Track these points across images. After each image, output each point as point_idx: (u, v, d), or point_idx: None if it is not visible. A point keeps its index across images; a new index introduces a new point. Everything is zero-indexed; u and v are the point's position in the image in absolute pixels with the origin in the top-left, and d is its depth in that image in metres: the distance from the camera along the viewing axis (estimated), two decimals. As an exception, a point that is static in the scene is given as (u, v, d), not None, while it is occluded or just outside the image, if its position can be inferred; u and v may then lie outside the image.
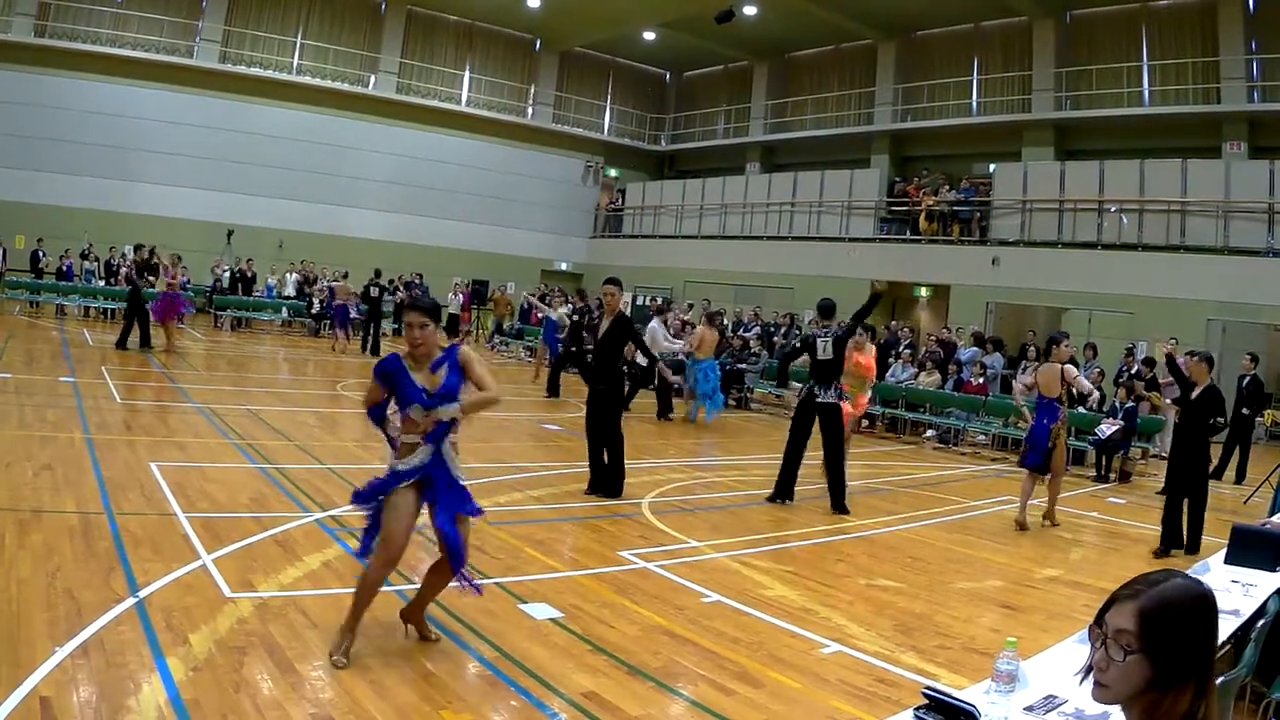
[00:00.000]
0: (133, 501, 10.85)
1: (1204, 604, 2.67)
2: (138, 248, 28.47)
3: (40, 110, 38.15)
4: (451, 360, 7.31)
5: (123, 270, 35.24)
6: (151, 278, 32.68)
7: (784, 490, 15.03)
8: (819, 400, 14.86)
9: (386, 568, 7.25)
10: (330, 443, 16.29)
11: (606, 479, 14.12)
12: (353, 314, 34.35)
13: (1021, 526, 14.42)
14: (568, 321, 27.68)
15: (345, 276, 36.20)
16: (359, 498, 7.46)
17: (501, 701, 6.77)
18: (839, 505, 14.59)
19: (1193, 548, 13.44)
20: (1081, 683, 2.85)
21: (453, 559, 7.28)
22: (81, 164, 38.68)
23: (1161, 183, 30.09)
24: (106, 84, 39.41)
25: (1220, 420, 13.82)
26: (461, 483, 7.51)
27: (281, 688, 6.53)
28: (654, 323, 25.03)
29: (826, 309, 15.52)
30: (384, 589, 8.50)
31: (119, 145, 39.45)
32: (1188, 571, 2.85)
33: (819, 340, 14.96)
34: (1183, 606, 2.63)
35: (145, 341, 26.62)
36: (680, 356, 23.99)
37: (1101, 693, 2.70)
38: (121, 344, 26.13)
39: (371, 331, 32.80)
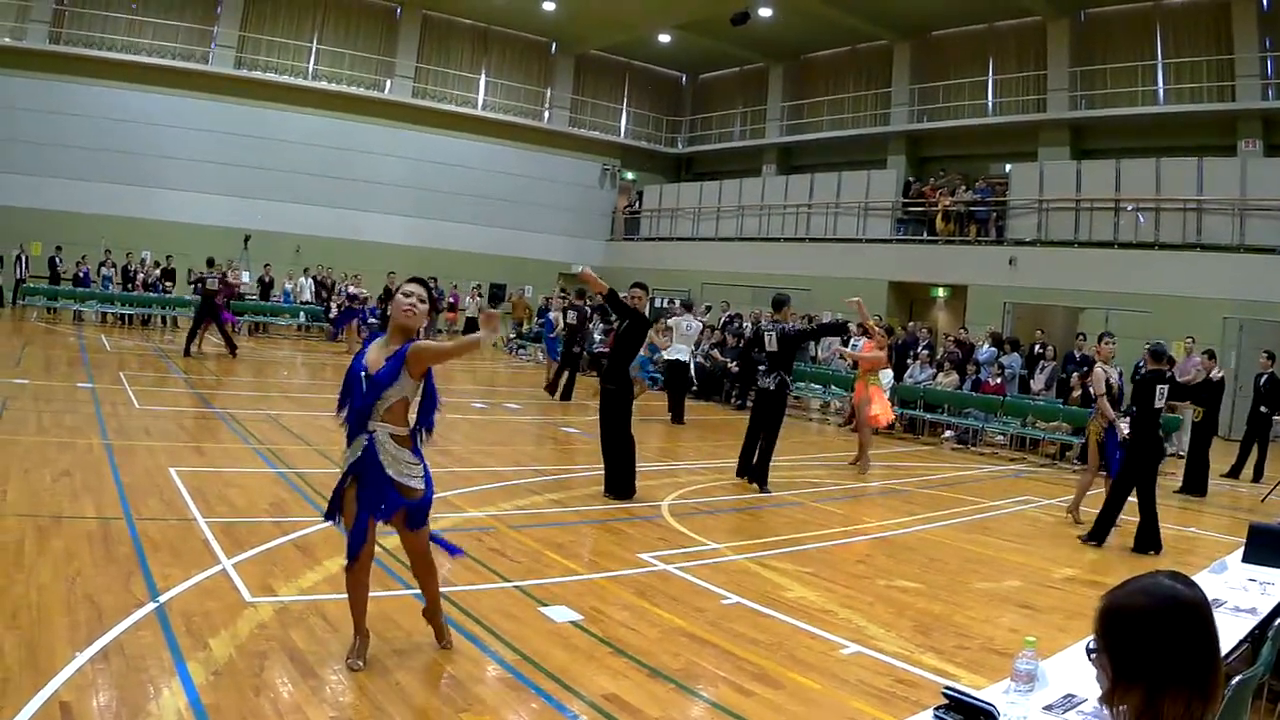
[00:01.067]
0: (152, 507, 10.87)
1: (1168, 608, 2.64)
2: (210, 262, 28.98)
3: (56, 117, 38.26)
4: (402, 351, 6.96)
5: (139, 277, 35.42)
6: (169, 284, 32.84)
7: (741, 468, 16.36)
8: (757, 385, 16.76)
9: (353, 573, 7.04)
10: (349, 447, 16.28)
11: (619, 479, 14.06)
12: (370, 318, 34.41)
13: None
14: (562, 323, 27.74)
15: (356, 278, 36.39)
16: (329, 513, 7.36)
17: (522, 704, 6.76)
18: (760, 481, 15.84)
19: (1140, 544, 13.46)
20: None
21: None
22: (98, 170, 38.81)
23: (1177, 181, 30.03)
24: (122, 90, 39.49)
25: (1134, 408, 13.81)
26: (401, 481, 7.06)
27: (302, 691, 6.55)
28: (686, 319, 25.41)
29: (778, 303, 16.91)
30: (401, 591, 8.52)
31: (135, 151, 39.51)
32: (1210, 568, 2.85)
33: (767, 333, 16.59)
34: (1138, 610, 2.64)
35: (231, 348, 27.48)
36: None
37: (1101, 691, 2.75)
38: (188, 350, 26.98)
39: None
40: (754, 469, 16.00)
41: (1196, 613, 2.66)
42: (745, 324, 30.58)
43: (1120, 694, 2.64)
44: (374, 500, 6.97)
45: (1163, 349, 14.32)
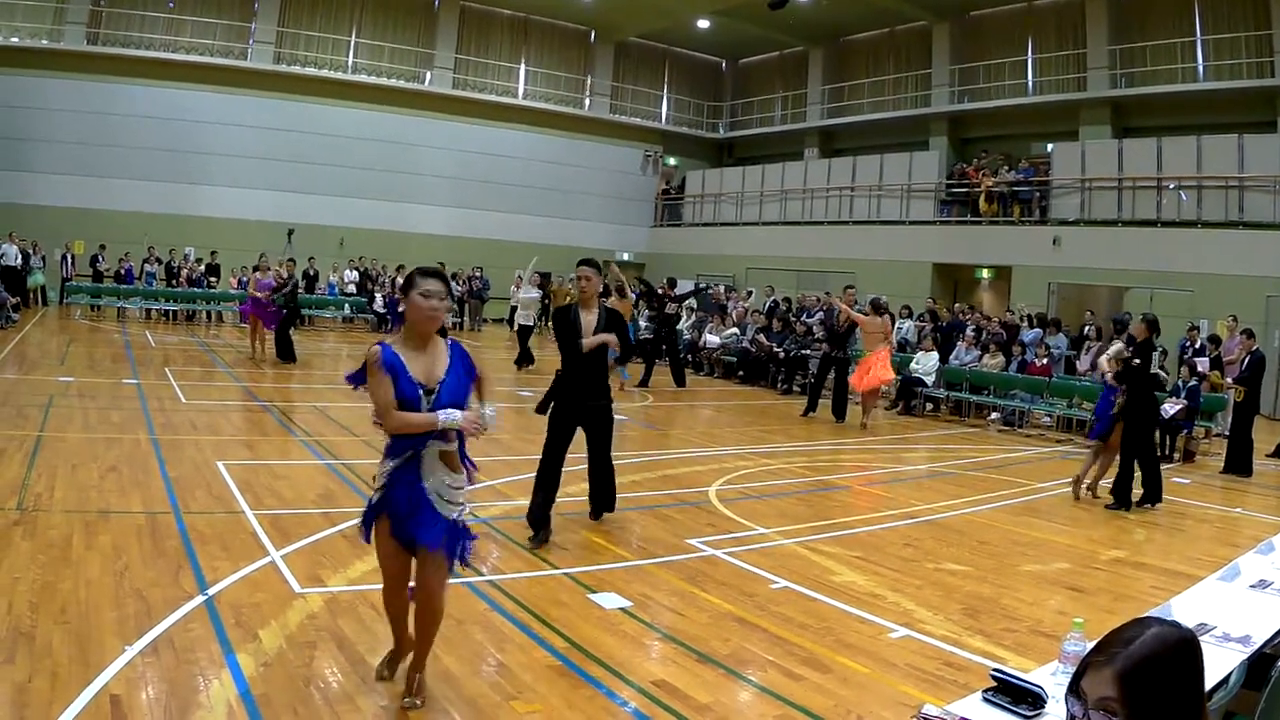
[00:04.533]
0: (200, 500, 10.98)
1: (1184, 650, 2.54)
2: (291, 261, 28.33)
3: (96, 116, 38.40)
4: (469, 366, 6.46)
5: (183, 273, 35.55)
6: (213, 279, 32.69)
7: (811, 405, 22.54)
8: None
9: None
10: (395, 437, 16.26)
11: (603, 495, 11.74)
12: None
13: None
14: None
15: (401, 269, 36.29)
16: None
17: (572, 691, 6.79)
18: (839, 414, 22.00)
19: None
20: None
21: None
22: (139, 168, 38.92)
23: (1218, 159, 29.77)
24: (161, 88, 39.56)
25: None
26: (443, 514, 6.35)
27: (352, 681, 6.61)
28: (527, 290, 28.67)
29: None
30: (452, 580, 8.58)
31: (176, 149, 39.64)
32: (1257, 548, 2.82)
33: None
34: (1162, 660, 2.50)
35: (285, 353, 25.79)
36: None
37: None
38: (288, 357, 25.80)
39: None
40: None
41: (1198, 644, 2.61)
42: (790, 307, 30.60)
43: None
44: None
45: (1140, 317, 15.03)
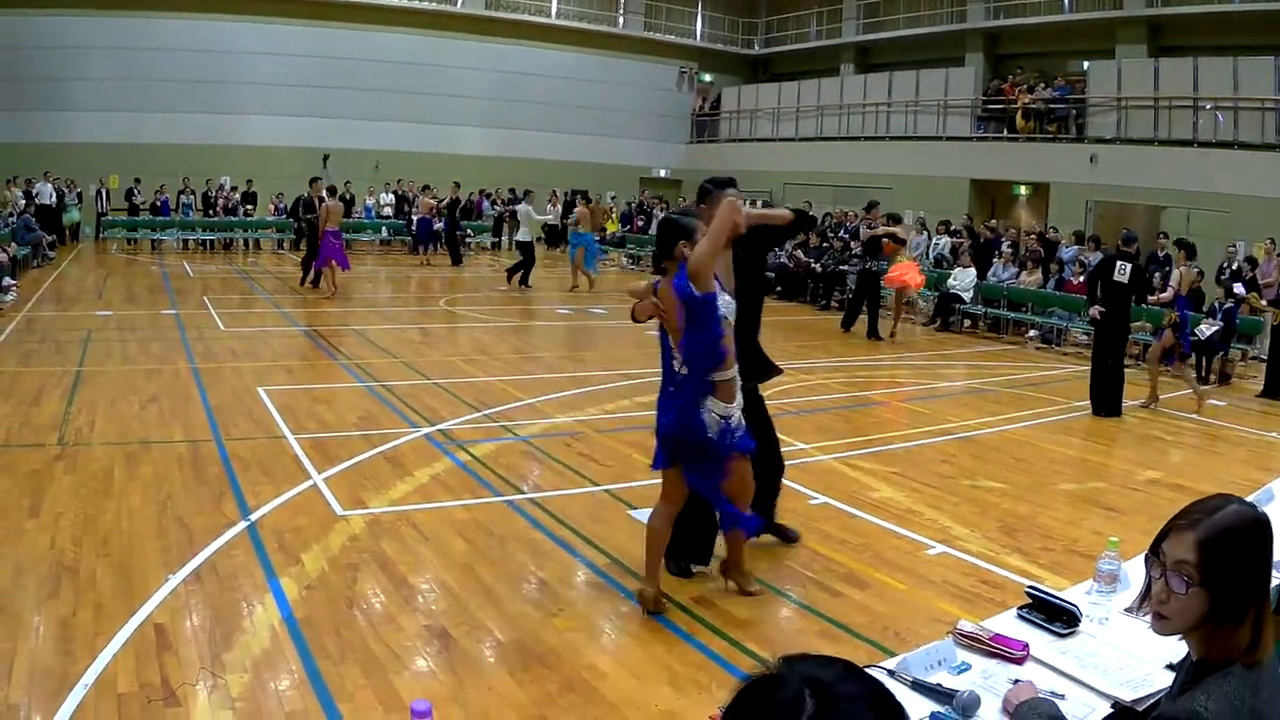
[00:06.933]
0: (241, 427, 11.08)
1: (1262, 530, 2.59)
2: (314, 180, 27.43)
3: (127, 52, 38.22)
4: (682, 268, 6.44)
5: (220, 203, 35.53)
6: (250, 207, 32.47)
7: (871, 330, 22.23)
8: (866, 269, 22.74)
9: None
10: (436, 357, 16.34)
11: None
12: (437, 226, 34.23)
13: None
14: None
15: (426, 189, 36.31)
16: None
17: (612, 608, 6.88)
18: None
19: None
20: (1138, 613, 2.83)
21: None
22: (171, 101, 38.69)
23: (1255, 80, 29.33)
24: (193, 20, 39.29)
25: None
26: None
27: (395, 601, 6.69)
28: (523, 205, 29.01)
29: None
30: (491, 499, 8.64)
31: (208, 79, 39.40)
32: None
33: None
34: (1241, 534, 2.56)
35: (316, 281, 24.73)
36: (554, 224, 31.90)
37: (1161, 624, 2.64)
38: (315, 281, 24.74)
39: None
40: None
41: (1272, 528, 2.64)
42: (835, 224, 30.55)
43: (1215, 627, 2.55)
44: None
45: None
